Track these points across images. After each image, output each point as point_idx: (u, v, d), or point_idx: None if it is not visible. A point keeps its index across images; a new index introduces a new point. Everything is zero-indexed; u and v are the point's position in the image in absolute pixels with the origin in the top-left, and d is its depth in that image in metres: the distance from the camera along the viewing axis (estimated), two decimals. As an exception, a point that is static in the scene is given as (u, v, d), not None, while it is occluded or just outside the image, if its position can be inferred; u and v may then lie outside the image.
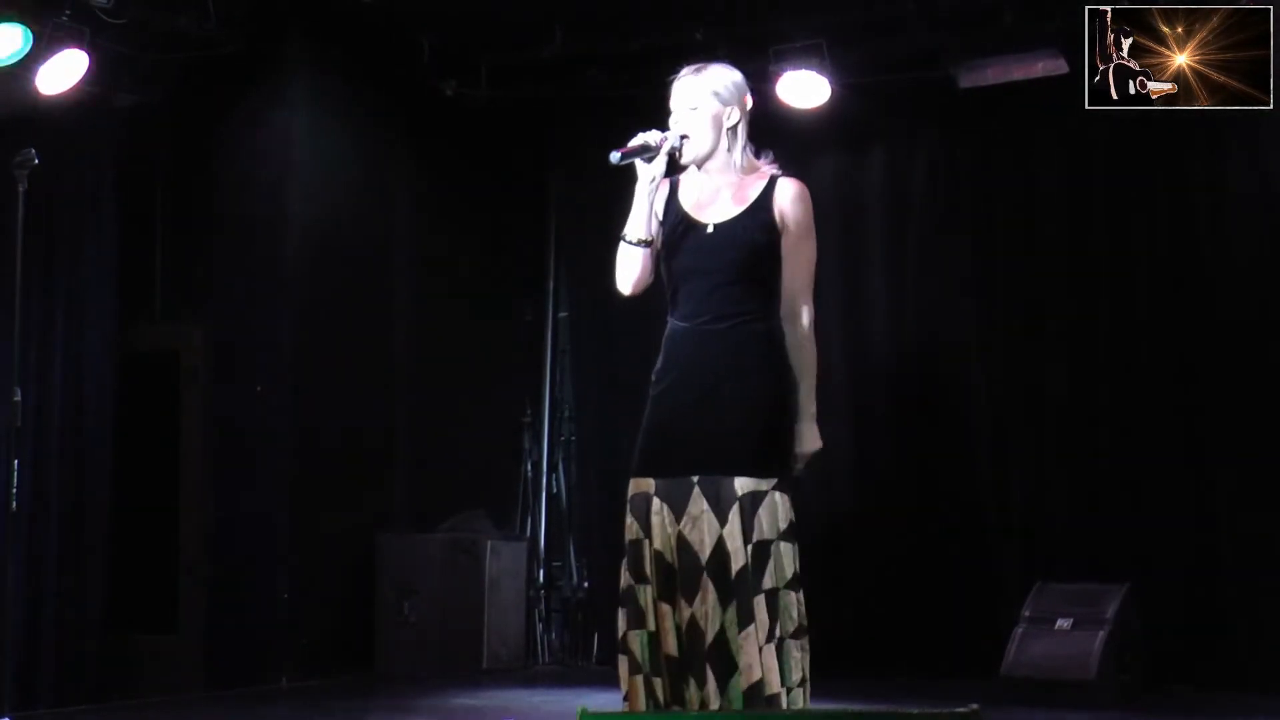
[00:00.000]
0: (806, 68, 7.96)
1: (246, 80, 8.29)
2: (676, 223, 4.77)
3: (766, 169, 4.81)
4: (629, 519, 4.68)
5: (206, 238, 8.46)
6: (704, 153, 4.76)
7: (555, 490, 9.12)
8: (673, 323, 4.77)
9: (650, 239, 4.73)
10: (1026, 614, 7.44)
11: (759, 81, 8.07)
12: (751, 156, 4.83)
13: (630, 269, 4.76)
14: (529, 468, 9.09)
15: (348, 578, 8.37)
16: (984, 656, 7.54)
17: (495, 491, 9.06)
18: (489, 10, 8.23)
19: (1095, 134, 7.94)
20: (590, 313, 9.18)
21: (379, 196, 8.75)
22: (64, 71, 7.31)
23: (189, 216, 8.52)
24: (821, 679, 4.42)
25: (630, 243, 4.73)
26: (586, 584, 8.94)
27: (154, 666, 8.37)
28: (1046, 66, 7.68)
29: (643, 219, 4.73)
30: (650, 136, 4.71)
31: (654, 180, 4.71)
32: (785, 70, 7.99)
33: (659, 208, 4.79)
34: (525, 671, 8.58)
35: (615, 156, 4.64)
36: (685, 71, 4.81)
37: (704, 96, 4.75)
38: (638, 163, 4.70)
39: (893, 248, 8.53)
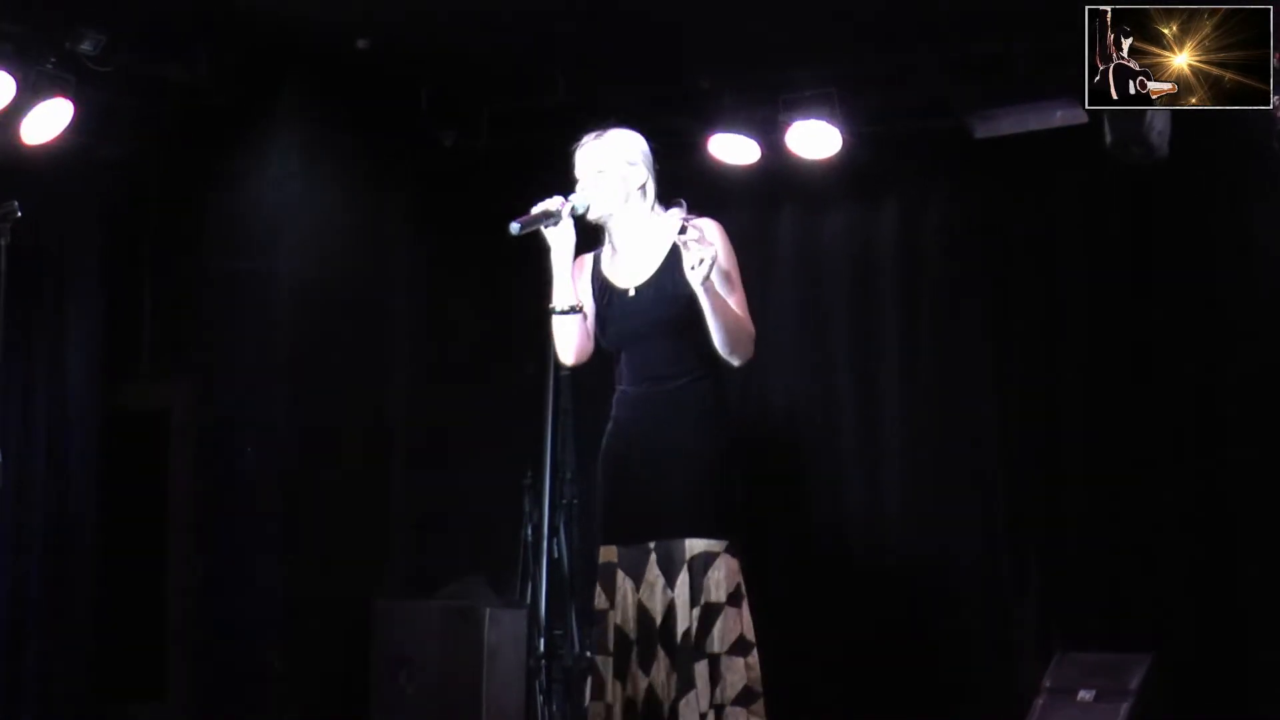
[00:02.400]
0: (817, 117, 7.92)
1: (237, 130, 8.26)
2: (601, 293, 4.96)
3: (676, 218, 4.90)
4: (598, 588, 4.88)
5: (196, 293, 8.39)
6: (611, 211, 4.88)
7: (557, 555, 8.88)
8: (618, 388, 4.99)
9: (577, 305, 4.89)
10: (1047, 685, 7.36)
11: (768, 131, 8.12)
12: (660, 211, 4.96)
13: (567, 339, 5.01)
14: (529, 532, 8.87)
15: (341, 646, 8.28)
16: (1003, 729, 7.50)
17: (494, 556, 8.76)
18: (489, 59, 8.20)
19: (1116, 186, 7.87)
20: (593, 371, 9.02)
21: (375, 250, 8.70)
22: (48, 121, 7.27)
23: (177, 270, 8.49)
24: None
25: (559, 312, 4.93)
26: (589, 653, 8.82)
27: (140, 735, 8.30)
28: (1064, 116, 7.60)
29: (565, 286, 4.92)
30: (550, 203, 4.88)
31: (565, 245, 4.88)
32: (795, 119, 7.96)
33: (584, 284, 4.96)
34: (525, 744, 8.51)
35: (515, 227, 4.81)
36: (587, 138, 5.02)
37: (609, 159, 4.95)
38: (546, 231, 4.81)
39: (905, 302, 8.46)
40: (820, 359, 8.62)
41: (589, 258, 4.99)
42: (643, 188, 4.93)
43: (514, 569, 8.95)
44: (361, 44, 7.95)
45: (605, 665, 4.75)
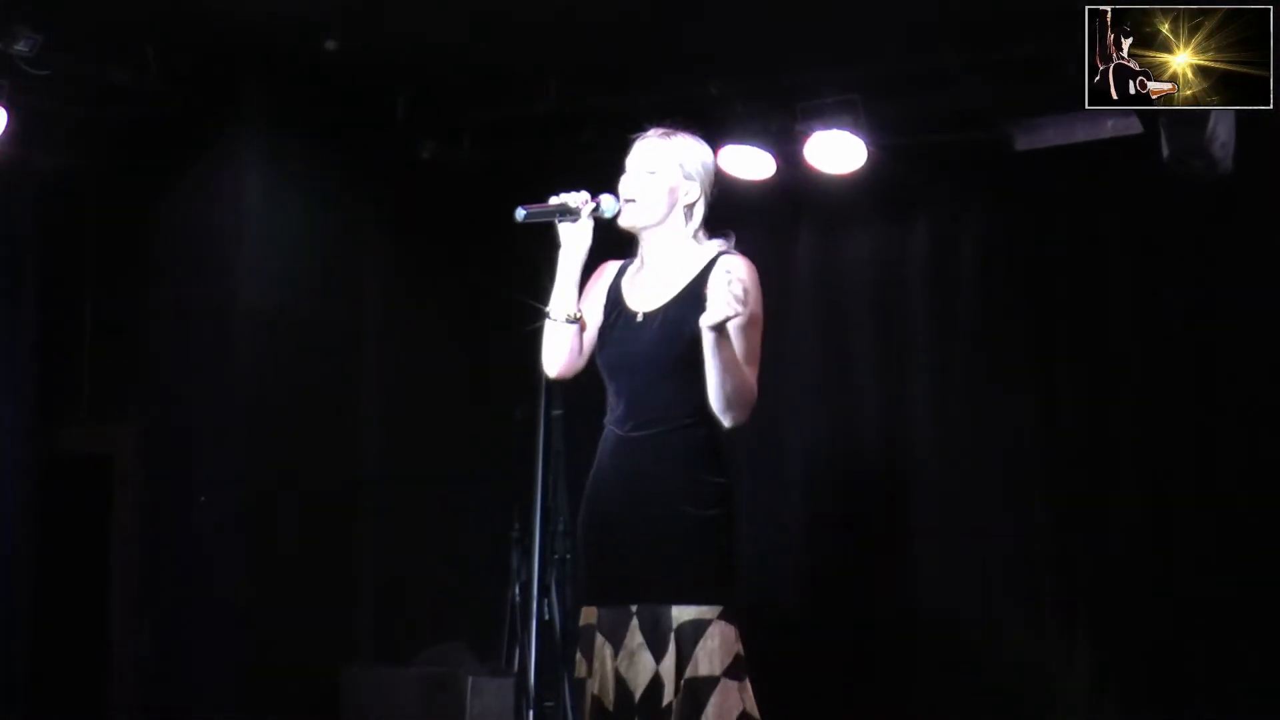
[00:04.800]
0: (839, 127, 7.85)
1: (191, 142, 8.28)
2: (611, 309, 4.87)
3: (714, 249, 4.83)
4: (577, 653, 4.76)
5: (143, 324, 8.40)
6: (649, 223, 4.81)
7: (547, 617, 8.86)
8: (606, 427, 4.85)
9: (575, 315, 4.81)
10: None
11: (784, 142, 8.08)
12: (704, 241, 4.86)
13: (556, 349, 4.87)
14: (517, 590, 8.84)
15: (306, 718, 8.19)
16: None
17: (478, 618, 8.77)
18: (472, 62, 8.16)
19: (1173, 203, 7.75)
20: (589, 410, 8.89)
21: (344, 276, 8.71)
22: (-22, 130, 7.29)
23: (123, 299, 8.48)
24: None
25: (555, 320, 4.82)
26: (577, 726, 8.77)
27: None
28: (1116, 126, 7.57)
29: (568, 292, 4.81)
30: (572, 198, 4.77)
31: (578, 247, 4.77)
32: (814, 129, 7.89)
33: (599, 293, 4.88)
34: (512, 828, 8.38)
35: (521, 214, 4.74)
36: (652, 133, 4.91)
37: (666, 163, 4.83)
38: (561, 227, 4.78)
39: (939, 333, 8.39)
40: (843, 396, 8.59)
41: (614, 266, 4.92)
42: (690, 208, 4.83)
43: (500, 632, 8.92)
44: (330, 45, 7.90)
45: None
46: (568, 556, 9.07)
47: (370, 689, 8.30)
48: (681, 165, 4.83)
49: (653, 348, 4.72)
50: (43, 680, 8.10)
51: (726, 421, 4.65)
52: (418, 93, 8.58)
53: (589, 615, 4.71)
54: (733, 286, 4.41)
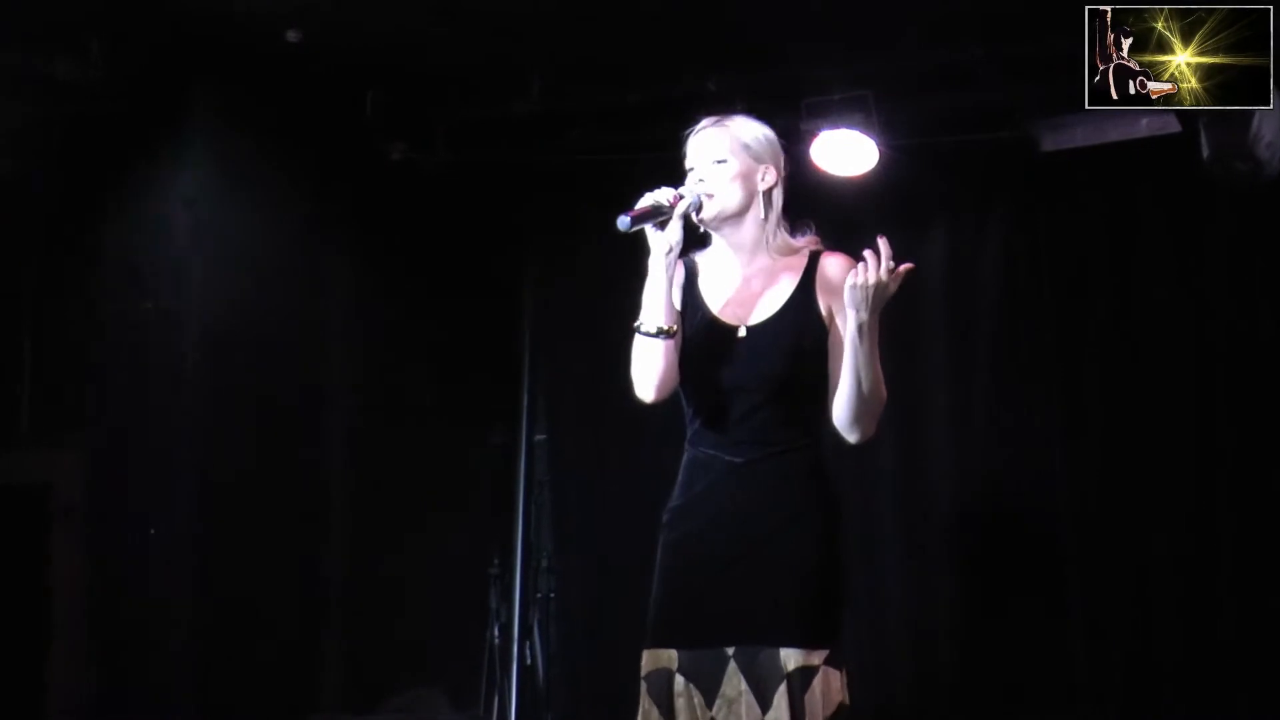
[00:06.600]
0: (849, 125, 7.80)
1: (140, 142, 8.16)
2: (697, 322, 4.72)
3: (805, 246, 4.81)
4: (645, 702, 4.62)
5: (86, 341, 8.32)
6: (730, 212, 4.71)
7: (530, 661, 8.92)
8: (694, 450, 4.71)
9: (671, 328, 4.63)
10: None
11: (789, 142, 7.89)
12: (787, 235, 4.82)
13: (650, 368, 4.65)
14: (496, 632, 8.87)
15: (266, 772, 8.10)
16: None
17: (453, 662, 8.88)
18: (447, 55, 8.09)
19: (1214, 208, 7.70)
20: (575, 435, 8.99)
21: (307, 288, 8.65)
22: (-97, 130, 7.23)
23: (63, 314, 8.43)
24: None
25: (647, 334, 4.64)
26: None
27: None
28: (1152, 124, 7.56)
29: (660, 302, 4.64)
30: (661, 195, 4.64)
31: (670, 251, 4.63)
32: (821, 128, 7.83)
33: (675, 295, 4.71)
34: None
35: (624, 221, 4.58)
36: (705, 123, 4.83)
37: (732, 149, 4.76)
38: (648, 230, 4.63)
39: (957, 353, 8.33)
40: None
41: (680, 266, 4.80)
42: (769, 194, 4.77)
43: (477, 677, 8.86)
44: (292, 36, 7.82)
45: None
46: (552, 595, 9.03)
47: (336, 740, 8.20)
48: (748, 148, 4.78)
49: (763, 367, 4.65)
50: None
51: (854, 435, 4.62)
52: (387, 89, 8.46)
53: (663, 659, 4.60)
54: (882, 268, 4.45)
